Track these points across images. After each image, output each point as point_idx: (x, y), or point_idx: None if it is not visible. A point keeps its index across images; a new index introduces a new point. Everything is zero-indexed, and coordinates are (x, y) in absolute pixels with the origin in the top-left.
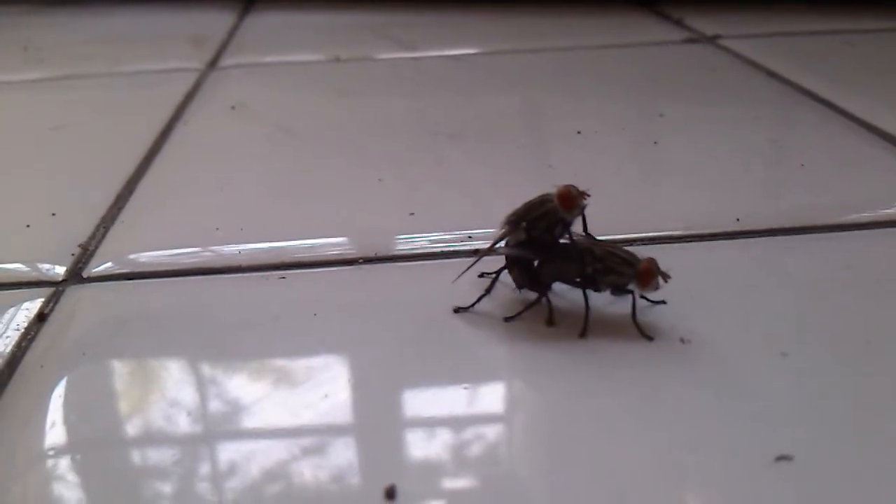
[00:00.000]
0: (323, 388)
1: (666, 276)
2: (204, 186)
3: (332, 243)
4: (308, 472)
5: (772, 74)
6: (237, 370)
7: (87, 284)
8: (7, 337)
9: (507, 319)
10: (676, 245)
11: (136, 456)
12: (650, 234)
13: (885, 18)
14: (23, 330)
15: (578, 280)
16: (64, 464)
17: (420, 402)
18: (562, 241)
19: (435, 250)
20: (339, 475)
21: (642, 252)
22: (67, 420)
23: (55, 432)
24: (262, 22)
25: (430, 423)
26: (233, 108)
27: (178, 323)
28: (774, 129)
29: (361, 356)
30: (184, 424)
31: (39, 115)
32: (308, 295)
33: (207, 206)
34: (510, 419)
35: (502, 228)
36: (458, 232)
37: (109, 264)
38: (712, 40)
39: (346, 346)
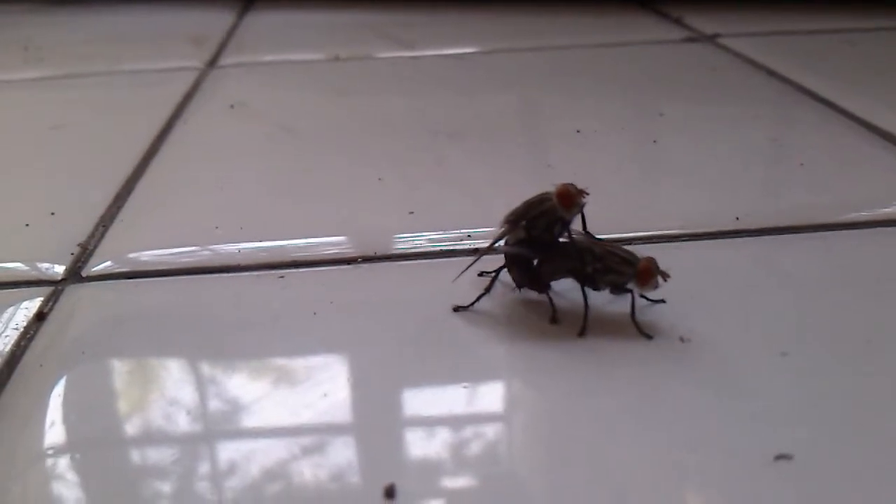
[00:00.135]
0: (322, 388)
1: (665, 276)
2: (203, 185)
3: (332, 242)
4: (308, 471)
5: (771, 73)
6: (237, 369)
7: (87, 283)
8: (6, 336)
9: (456, 309)
10: (676, 244)
11: (135, 455)
12: (649, 234)
13: (886, 17)
14: (22, 329)
15: (578, 279)
16: (63, 463)
17: (419, 401)
18: (561, 239)
19: (434, 249)
20: (338, 474)
21: (642, 251)
22: (67, 419)
23: (54, 431)
24: (262, 21)
25: (430, 423)
26: (232, 107)
27: (177, 322)
28: (774, 128)
29: (361, 355)
30: (183, 424)
31: (39, 115)
32: (307, 294)
33: (207, 206)
34: (510, 418)
35: (501, 227)
36: (457, 231)
37: (109, 263)
38: (712, 39)
39: (345, 345)
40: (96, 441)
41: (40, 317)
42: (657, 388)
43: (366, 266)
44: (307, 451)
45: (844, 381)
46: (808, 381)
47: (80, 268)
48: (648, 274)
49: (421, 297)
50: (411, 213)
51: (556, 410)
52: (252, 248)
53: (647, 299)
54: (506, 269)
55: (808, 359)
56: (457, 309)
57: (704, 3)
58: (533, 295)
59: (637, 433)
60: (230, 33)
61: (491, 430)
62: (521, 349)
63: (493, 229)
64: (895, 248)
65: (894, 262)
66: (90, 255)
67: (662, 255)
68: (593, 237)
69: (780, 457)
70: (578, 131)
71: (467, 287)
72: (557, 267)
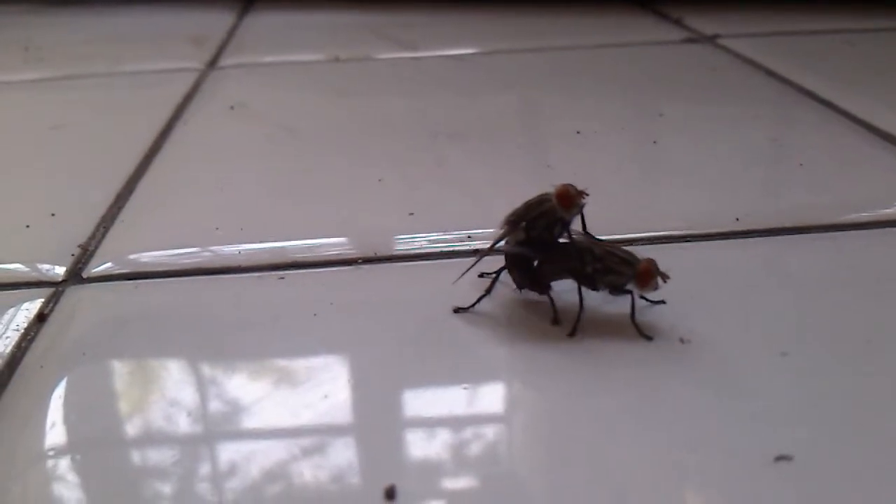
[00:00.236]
0: (323, 388)
1: (665, 276)
2: (204, 186)
3: (332, 243)
4: (308, 472)
5: (771, 74)
6: (237, 370)
7: (87, 285)
8: (7, 337)
9: (457, 310)
10: (676, 245)
11: (136, 456)
12: (649, 234)
13: (886, 18)
14: (22, 330)
15: (577, 279)
16: (64, 464)
17: (420, 402)
18: (561, 240)
19: (435, 250)
20: (338, 475)
21: (642, 252)
22: (67, 420)
23: (55, 432)
24: (262, 22)
25: (430, 424)
26: (232, 107)
27: (178, 323)
28: (774, 129)
29: (361, 356)
30: (184, 424)
31: (39, 115)
32: (308, 295)
33: (207, 206)
34: (510, 419)
35: (502, 228)
36: (457, 232)
37: (109, 264)
38: (712, 40)
39: (345, 346)
40: (97, 442)
41: (41, 318)
42: (657, 389)
43: (366, 267)
44: (307, 452)
45: (844, 381)
46: (808, 382)
47: (81, 269)
48: (648, 275)
49: (421, 298)
50: (411, 213)
51: (557, 411)
52: (252, 248)
53: (647, 300)
54: (506, 271)
55: (808, 359)
56: (457, 310)
57: (704, 4)
58: (533, 296)
59: (637, 434)
60: (230, 34)
61: (491, 431)
62: (522, 350)
63: (493, 230)
64: (895, 248)
65: (894, 262)
66: (91, 256)
67: (662, 256)
68: (593, 238)
69: (780, 457)
70: (578, 132)
71: (468, 288)
72: (557, 267)
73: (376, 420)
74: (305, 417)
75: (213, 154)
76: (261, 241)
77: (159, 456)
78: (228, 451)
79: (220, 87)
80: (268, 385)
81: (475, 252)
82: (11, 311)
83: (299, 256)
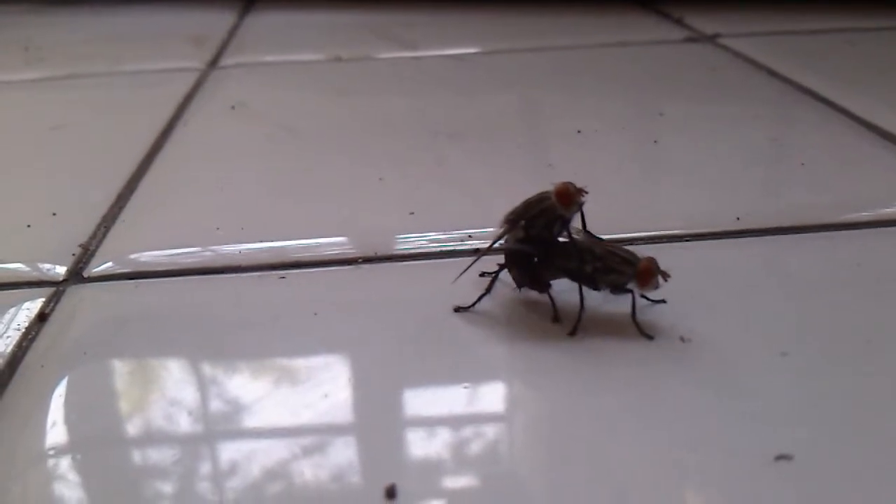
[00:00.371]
0: (323, 388)
1: (666, 276)
2: (204, 186)
3: (332, 243)
4: (308, 471)
5: (772, 73)
6: (237, 370)
7: (88, 284)
8: (8, 337)
9: (457, 309)
10: (676, 244)
11: (136, 455)
12: (650, 233)
13: (886, 17)
14: (23, 330)
15: (577, 278)
16: (64, 463)
17: (420, 401)
18: (561, 239)
19: (435, 250)
20: (339, 475)
21: (642, 251)
22: (68, 419)
23: (56, 432)
24: (263, 21)
25: (431, 423)
26: (233, 107)
27: (178, 322)
28: (774, 128)
29: (361, 356)
30: (184, 424)
31: (40, 115)
32: (308, 294)
33: (208, 206)
34: (510, 418)
35: (501, 227)
36: (457, 231)
37: (110, 264)
38: (712, 39)
39: (346, 345)
40: (97, 441)
41: (42, 317)
42: (657, 388)
43: (366, 266)
44: (308, 452)
45: (844, 381)
46: (808, 382)
47: (82, 268)
48: (649, 274)
49: (421, 298)
50: (412, 213)
51: (557, 410)
52: (253, 248)
53: (648, 299)
54: (506, 270)
55: (808, 359)
56: (457, 309)
57: (705, 3)
58: (533, 295)
59: (637, 433)
60: (231, 34)
61: (491, 430)
62: (522, 349)
63: (494, 229)
64: (895, 248)
65: (894, 262)
66: (91, 255)
67: (663, 255)
68: (594, 237)
69: (780, 457)
70: (579, 131)
71: (468, 287)
72: (557, 266)
73: (377, 419)
74: (306, 417)
75: (214, 154)
76: (261, 241)
77: (160, 455)
78: (229, 451)
79: (221, 87)
80: (268, 384)
81: (475, 251)
82: (12, 310)
83: (300, 256)
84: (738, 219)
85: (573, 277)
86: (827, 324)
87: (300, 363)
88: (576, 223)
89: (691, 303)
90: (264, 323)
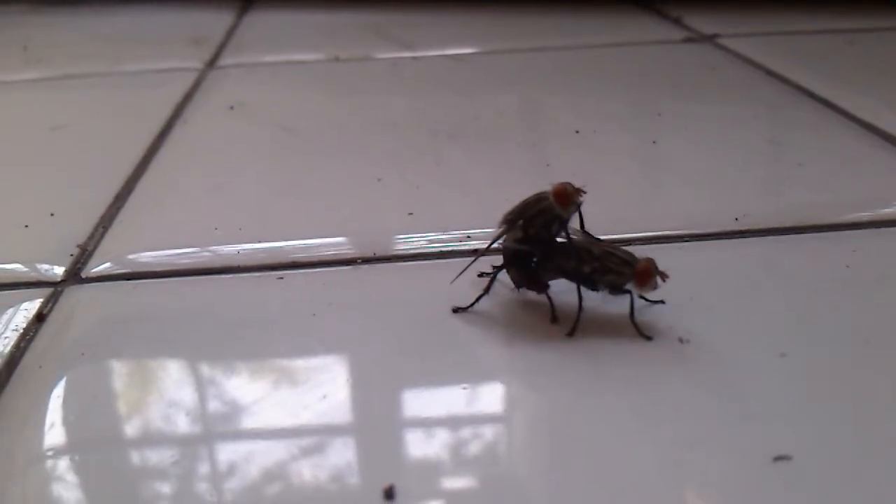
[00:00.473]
0: (322, 389)
1: (664, 276)
2: (203, 186)
3: (331, 243)
4: (307, 472)
5: (771, 73)
6: (236, 370)
7: (86, 285)
8: (6, 337)
9: (455, 310)
10: (675, 245)
11: (134, 456)
12: (649, 234)
13: (886, 17)
14: (21, 330)
15: (576, 279)
16: (63, 464)
17: (419, 402)
18: (560, 239)
19: (434, 250)
20: (338, 475)
21: (641, 251)
22: (66, 420)
23: (54, 433)
24: (261, 21)
25: (429, 423)
26: (232, 107)
27: (176, 323)
28: (773, 129)
29: (360, 356)
30: (183, 425)
31: (39, 115)
32: (307, 295)
33: (206, 206)
34: (509, 419)
35: (500, 227)
36: (456, 232)
37: (108, 264)
38: (711, 39)
39: (344, 346)
40: (96, 442)
41: (40, 318)
42: (656, 389)
43: (365, 267)
44: (307, 452)
45: (844, 382)
46: (807, 382)
47: (80, 269)
48: (647, 274)
49: (420, 298)
50: (411, 213)
51: (556, 411)
52: (251, 248)
53: (646, 300)
54: (504, 270)
55: (807, 359)
56: (456, 310)
57: (704, 4)
58: (532, 295)
59: (636, 433)
60: (230, 34)
61: (490, 431)
62: (521, 350)
63: (493, 230)
64: (895, 248)
65: (894, 262)
66: (90, 256)
67: (661, 256)
68: (592, 237)
69: (779, 458)
70: (578, 131)
71: (466, 288)
72: (556, 267)
73: (375, 420)
74: (304, 417)
75: (213, 154)
76: (260, 241)
77: (158, 456)
78: (227, 452)
79: (220, 87)
80: (267, 385)
81: (474, 252)
82: (10, 311)
83: (298, 256)
84: (736, 219)
85: (571, 278)
86: (826, 324)
87: (299, 364)
88: (574, 223)
89: (690, 303)
90: (263, 323)
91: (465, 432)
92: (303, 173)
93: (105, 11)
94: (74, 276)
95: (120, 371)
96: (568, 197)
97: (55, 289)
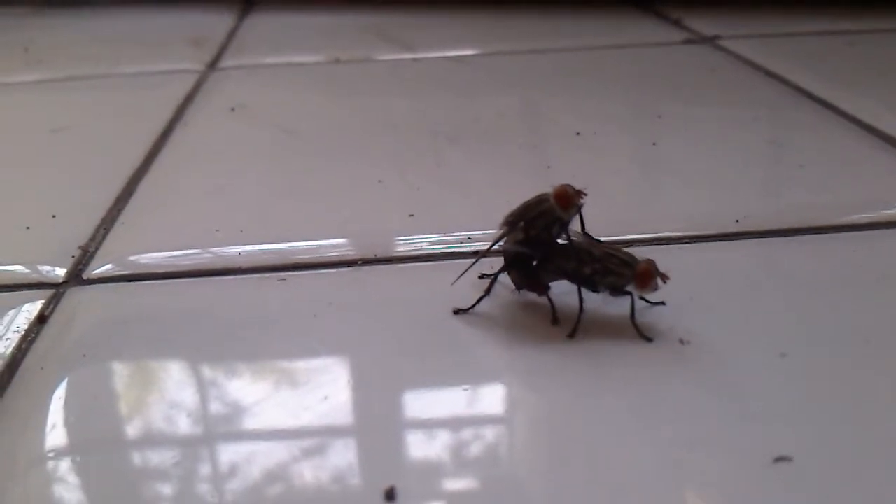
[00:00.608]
0: (323, 390)
1: (665, 277)
2: (204, 188)
3: (332, 245)
4: (308, 473)
5: (771, 75)
6: (237, 372)
7: (88, 286)
8: (7, 339)
9: (456, 312)
10: (675, 246)
11: (136, 457)
12: (649, 235)
13: (885, 19)
14: (23, 332)
15: (576, 280)
16: (64, 465)
17: (420, 403)
18: (560, 241)
19: (434, 252)
20: (338, 476)
21: (641, 253)
22: (68, 421)
23: (55, 434)
24: (262, 23)
25: (430, 425)
26: (233, 109)
27: (178, 324)
28: (774, 130)
29: (361, 357)
30: (184, 426)
31: (40, 117)
32: (308, 296)
33: (207, 208)
34: (510, 420)
35: (500, 229)
36: (457, 233)
37: (110, 266)
38: (711, 41)
39: (345, 347)
40: (97, 443)
41: (41, 319)
42: (657, 390)
43: (366, 268)
44: (308, 454)
45: (844, 382)
46: (807, 382)
47: (81, 270)
48: (648, 276)
49: (421, 300)
50: (411, 215)
51: (557, 412)
52: (252, 250)
53: (647, 301)
54: (505, 272)
55: (807, 360)
56: (457, 311)
57: (704, 5)
58: (533, 297)
59: (637, 434)
60: (231, 35)
61: (491, 432)
62: (521, 351)
63: (493, 231)
64: (895, 248)
65: (894, 262)
66: (91, 257)
67: (662, 257)
68: (592, 238)
69: (779, 458)
70: (578, 133)
71: (467, 289)
72: (556, 268)
73: (376, 421)
74: (305, 419)
75: (214, 155)
76: (261, 243)
77: (159, 457)
78: (228, 453)
79: (221, 89)
80: (268, 386)
81: (475, 253)
82: (12, 312)
83: (299, 258)
84: (737, 220)
85: (572, 279)
86: (826, 325)
87: (300, 365)
88: (575, 225)
89: (690, 304)
90: (264, 325)
91: (466, 433)
92: (304, 175)
93: (106, 13)
94: (76, 277)
95: (121, 372)
96: (569, 199)
97: (57, 290)
